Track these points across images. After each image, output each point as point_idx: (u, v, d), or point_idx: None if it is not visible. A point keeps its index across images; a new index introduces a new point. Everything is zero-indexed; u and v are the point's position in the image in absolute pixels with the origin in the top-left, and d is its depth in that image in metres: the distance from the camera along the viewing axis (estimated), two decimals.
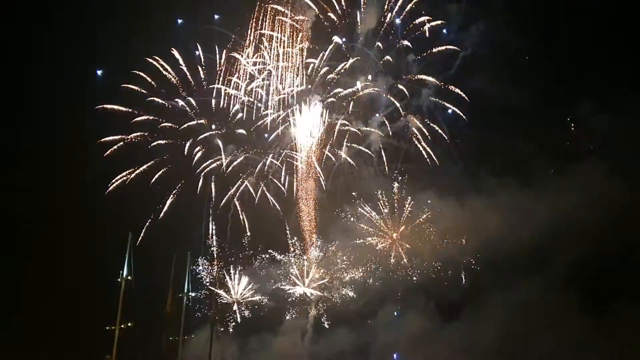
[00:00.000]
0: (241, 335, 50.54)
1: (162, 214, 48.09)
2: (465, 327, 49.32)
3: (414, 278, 52.62)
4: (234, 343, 50.43)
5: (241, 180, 51.02)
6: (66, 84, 45.44)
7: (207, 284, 49.22)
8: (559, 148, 52.54)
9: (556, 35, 52.59)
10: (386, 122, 53.78)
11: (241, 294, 50.15)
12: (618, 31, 50.63)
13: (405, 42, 52.66)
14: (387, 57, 52.91)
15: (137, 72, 48.43)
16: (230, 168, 51.05)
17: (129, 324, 41.32)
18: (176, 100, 50.36)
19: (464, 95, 52.55)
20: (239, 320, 49.42)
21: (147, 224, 47.16)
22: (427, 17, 52.23)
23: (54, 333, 41.50)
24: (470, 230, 51.44)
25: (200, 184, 50.16)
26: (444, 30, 53.15)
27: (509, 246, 47.83)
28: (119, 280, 41.94)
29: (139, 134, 48.58)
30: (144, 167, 48.34)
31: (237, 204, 50.74)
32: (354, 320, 52.04)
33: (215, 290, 48.40)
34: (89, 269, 43.62)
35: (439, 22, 52.46)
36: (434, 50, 52.88)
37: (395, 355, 51.52)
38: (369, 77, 53.47)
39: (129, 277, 42.23)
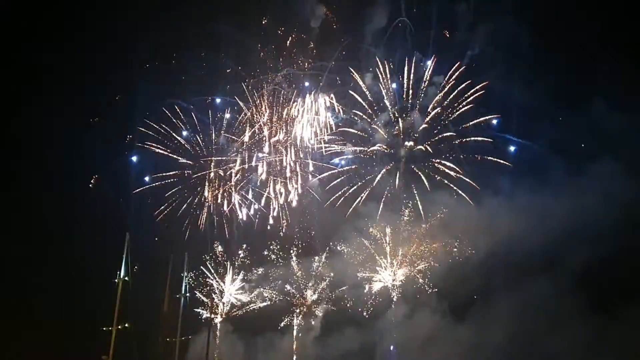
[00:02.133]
0: (247, 335, 50.76)
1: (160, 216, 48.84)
2: (474, 328, 48.39)
3: (422, 280, 52.15)
4: (239, 343, 50.67)
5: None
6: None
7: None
8: (572, 148, 50.64)
9: (569, 34, 50.20)
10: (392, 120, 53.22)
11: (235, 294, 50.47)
12: (631, 28, 48.62)
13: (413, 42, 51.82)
14: (395, 56, 51.84)
15: None
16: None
17: (126, 325, 41.63)
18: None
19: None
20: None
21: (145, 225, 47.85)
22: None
23: (51, 333, 42.04)
24: (481, 230, 50.11)
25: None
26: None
27: (521, 247, 46.71)
28: (116, 281, 42.31)
29: None
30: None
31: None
32: (361, 321, 51.75)
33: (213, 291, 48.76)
34: (87, 270, 44.12)
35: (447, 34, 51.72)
36: (443, 49, 51.74)
37: (392, 348, 50.79)
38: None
39: (126, 278, 42.55)
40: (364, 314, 51.58)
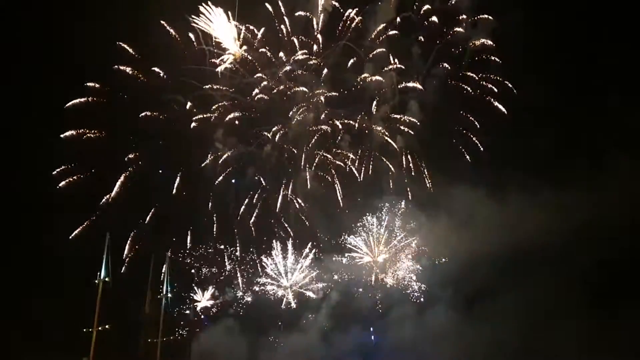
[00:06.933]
0: (251, 334, 50.40)
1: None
2: (479, 323, 48.54)
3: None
4: (243, 341, 50.35)
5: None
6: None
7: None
8: (587, 144, 51.00)
9: (583, 28, 50.71)
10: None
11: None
12: None
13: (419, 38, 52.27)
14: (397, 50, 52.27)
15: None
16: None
17: (107, 326, 41.21)
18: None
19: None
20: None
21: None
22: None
23: (31, 335, 41.80)
24: (490, 226, 49.88)
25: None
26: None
27: (528, 243, 47.22)
28: (96, 282, 41.84)
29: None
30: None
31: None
32: (366, 318, 51.59)
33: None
34: (67, 270, 43.86)
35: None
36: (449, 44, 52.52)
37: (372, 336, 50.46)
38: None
39: (107, 279, 42.08)
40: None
